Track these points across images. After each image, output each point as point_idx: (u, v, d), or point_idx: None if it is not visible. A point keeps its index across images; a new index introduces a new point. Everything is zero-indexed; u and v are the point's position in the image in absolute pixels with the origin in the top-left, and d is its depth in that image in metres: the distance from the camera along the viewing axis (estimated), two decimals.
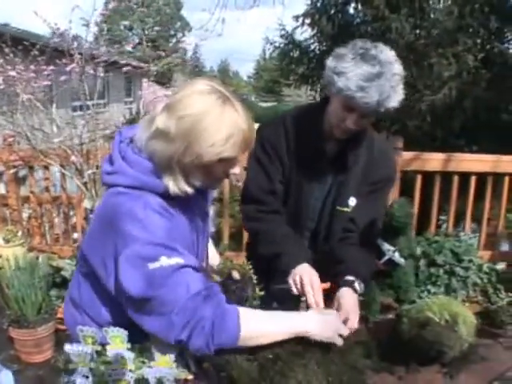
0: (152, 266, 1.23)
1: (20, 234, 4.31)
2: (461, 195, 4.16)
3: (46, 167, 4.28)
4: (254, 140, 1.40)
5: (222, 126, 1.28)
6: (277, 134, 1.85)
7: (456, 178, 4.08)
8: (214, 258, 1.82)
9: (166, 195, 1.35)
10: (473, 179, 4.08)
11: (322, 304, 1.66)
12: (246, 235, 3.83)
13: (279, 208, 1.91)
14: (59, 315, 3.42)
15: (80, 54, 3.66)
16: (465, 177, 4.09)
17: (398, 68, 1.62)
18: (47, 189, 4.45)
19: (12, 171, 4.20)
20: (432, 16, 5.86)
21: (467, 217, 4.20)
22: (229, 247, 4.32)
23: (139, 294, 1.23)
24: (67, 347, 1.25)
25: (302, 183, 1.87)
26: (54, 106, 4.13)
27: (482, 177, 4.09)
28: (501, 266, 4.26)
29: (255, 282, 1.62)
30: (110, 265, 1.29)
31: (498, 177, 4.12)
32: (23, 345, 3.27)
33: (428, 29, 5.54)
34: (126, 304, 1.28)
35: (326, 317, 1.49)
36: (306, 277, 1.69)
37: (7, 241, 4.20)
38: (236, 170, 1.42)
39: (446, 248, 3.84)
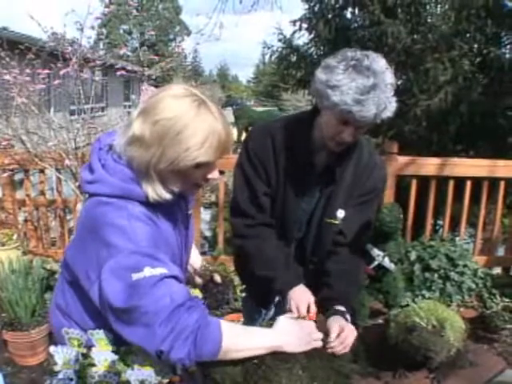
0: (136, 276, 1.20)
1: (15, 237, 4.31)
2: (456, 200, 4.17)
3: (42, 171, 4.29)
4: (231, 144, 1.38)
5: (196, 130, 1.26)
6: (264, 146, 1.82)
7: (451, 183, 4.08)
8: (196, 260, 1.82)
9: (147, 203, 1.34)
10: (468, 184, 4.08)
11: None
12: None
13: (266, 221, 1.88)
14: None
15: (75, 57, 3.66)
16: (460, 181, 4.09)
17: (390, 77, 1.58)
18: (43, 192, 4.44)
19: (6, 174, 4.19)
20: (429, 21, 5.88)
21: (462, 221, 4.20)
22: (224, 251, 4.31)
23: (122, 305, 1.20)
24: (52, 349, 1.25)
25: (288, 196, 1.84)
26: (52, 109, 4.12)
27: (477, 181, 4.10)
28: (496, 270, 4.28)
29: (235, 284, 1.64)
30: (92, 275, 1.27)
31: (493, 181, 4.13)
32: (17, 347, 3.26)
33: (424, 33, 5.55)
34: (109, 314, 1.25)
35: (298, 329, 1.47)
36: (303, 306, 1.71)
37: (2, 244, 4.20)
38: (214, 174, 1.39)
39: (440, 253, 3.85)
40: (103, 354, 1.22)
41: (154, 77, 4.95)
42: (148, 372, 1.20)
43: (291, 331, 1.45)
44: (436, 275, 3.77)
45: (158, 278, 1.21)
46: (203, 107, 1.30)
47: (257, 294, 1.90)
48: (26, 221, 4.67)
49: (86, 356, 1.27)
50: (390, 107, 1.59)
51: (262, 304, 1.71)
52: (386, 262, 1.75)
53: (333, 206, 1.83)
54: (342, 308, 1.74)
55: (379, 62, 1.57)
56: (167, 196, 1.34)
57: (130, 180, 1.32)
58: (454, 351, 1.57)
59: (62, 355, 1.25)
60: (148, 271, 1.21)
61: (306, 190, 1.84)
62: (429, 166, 4.03)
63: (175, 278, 1.27)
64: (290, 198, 1.84)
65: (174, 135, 1.25)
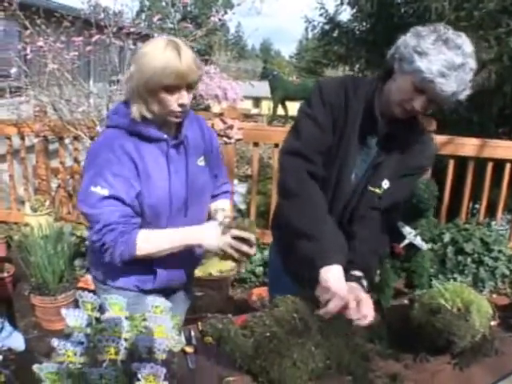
0: (93, 189, 1.58)
1: (48, 203, 4.37)
2: (494, 184, 4.02)
3: (76, 138, 4.31)
4: (191, 75, 1.60)
5: (159, 59, 1.55)
6: (338, 93, 1.76)
7: (490, 165, 3.94)
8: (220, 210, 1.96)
9: (133, 132, 1.64)
10: (508, 167, 3.94)
11: None
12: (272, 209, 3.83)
13: (321, 172, 1.78)
14: (81, 284, 3.47)
15: (109, 25, 3.63)
16: (500, 164, 3.94)
17: (474, 64, 1.57)
18: (76, 160, 4.48)
19: (37, 140, 4.24)
20: None
21: (500, 206, 4.05)
22: (256, 225, 4.27)
23: (81, 206, 1.63)
24: (64, 311, 1.23)
25: (348, 155, 1.77)
26: (91, 80, 4.13)
27: None
28: None
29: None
30: None
31: None
32: (44, 312, 3.32)
33: (469, 10, 5.31)
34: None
35: (206, 230, 1.71)
36: (337, 299, 1.52)
37: (35, 210, 4.27)
38: (184, 99, 1.61)
39: (475, 236, 3.74)
40: (115, 320, 1.19)
41: (195, 49, 4.89)
42: (159, 340, 1.16)
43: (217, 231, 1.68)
44: (469, 259, 3.67)
45: (100, 196, 1.57)
46: (170, 46, 1.56)
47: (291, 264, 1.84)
48: (58, 186, 4.73)
49: (98, 320, 1.25)
50: (466, 92, 1.58)
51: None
52: (418, 241, 1.67)
53: (380, 176, 1.78)
54: (360, 273, 1.68)
55: (469, 46, 1.55)
56: (147, 115, 1.64)
57: (119, 112, 1.68)
58: (479, 337, 1.49)
59: (73, 318, 1.23)
60: (98, 189, 1.58)
61: (363, 153, 1.79)
62: (468, 146, 3.90)
63: (116, 198, 1.59)
64: (349, 156, 1.77)
65: (143, 62, 1.57)
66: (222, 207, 1.98)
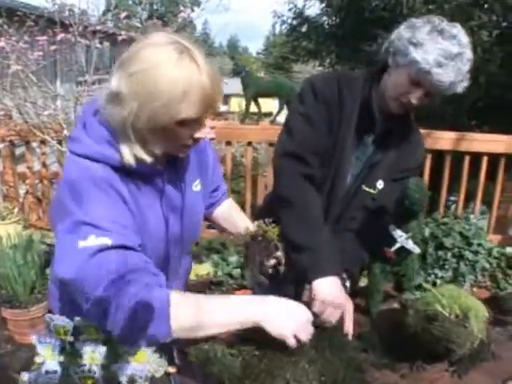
0: (82, 243, 1.09)
1: (16, 210, 4.22)
2: (471, 176, 4.01)
3: (43, 142, 4.17)
4: (218, 99, 1.21)
5: (176, 81, 1.11)
6: (332, 89, 1.68)
7: (467, 159, 3.92)
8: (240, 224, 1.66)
9: (123, 168, 1.21)
10: (484, 160, 3.92)
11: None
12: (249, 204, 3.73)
13: (317, 174, 1.71)
14: None
15: (74, 23, 3.50)
16: (476, 157, 3.92)
17: (471, 54, 1.53)
18: (44, 164, 4.34)
19: (2, 145, 4.07)
20: None
21: (477, 199, 4.04)
22: None
23: (67, 276, 1.11)
24: (34, 338, 1.13)
25: (344, 154, 1.70)
26: (58, 81, 4.00)
27: (494, 158, 3.92)
28: (510, 250, 4.13)
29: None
30: None
31: (511, 158, 3.95)
32: (16, 325, 3.18)
33: (440, 3, 5.30)
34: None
35: (290, 309, 1.24)
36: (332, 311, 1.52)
37: (3, 218, 4.11)
38: (202, 133, 1.23)
39: (455, 230, 3.71)
40: (91, 344, 1.09)
41: None
42: (140, 366, 1.06)
43: (281, 305, 1.23)
44: (450, 254, 3.64)
45: (98, 248, 1.09)
46: (186, 55, 1.13)
47: None
48: (27, 192, 4.58)
49: (72, 345, 1.15)
50: (464, 83, 1.55)
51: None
52: (410, 244, 1.60)
53: (375, 176, 1.74)
54: (344, 275, 1.67)
55: (465, 36, 1.53)
56: (147, 158, 1.22)
57: (103, 141, 1.21)
58: (477, 343, 1.43)
59: (44, 345, 1.12)
60: (92, 240, 1.09)
61: (359, 152, 1.74)
62: (444, 140, 3.87)
63: (124, 247, 1.13)
64: (345, 156, 1.71)
65: (150, 88, 1.11)
66: (247, 225, 1.60)
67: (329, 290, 1.52)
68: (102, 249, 1.09)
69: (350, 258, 1.73)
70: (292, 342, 1.20)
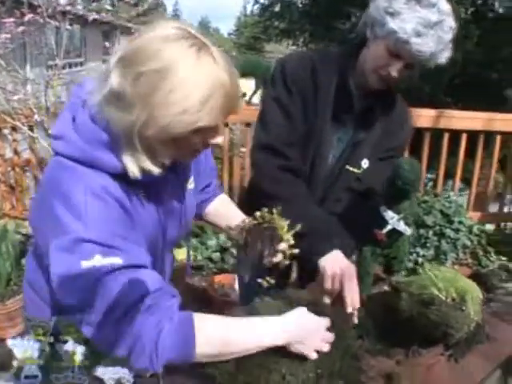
0: (85, 264, 0.96)
1: None
2: (450, 153, 3.99)
3: (14, 129, 4.01)
4: (238, 102, 1.07)
5: (196, 85, 0.97)
6: (304, 71, 1.60)
7: (446, 136, 3.90)
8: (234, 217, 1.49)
9: (123, 176, 1.06)
10: (464, 137, 3.91)
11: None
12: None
13: (299, 165, 1.65)
14: None
15: (43, 4, 3.34)
16: (455, 135, 3.91)
17: (453, 22, 1.46)
18: (16, 151, 4.18)
19: None
20: None
21: (457, 176, 4.04)
22: None
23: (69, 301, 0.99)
24: (10, 342, 1.04)
25: (323, 136, 1.64)
26: (28, 65, 3.85)
27: (473, 135, 3.93)
28: (489, 227, 4.16)
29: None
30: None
31: (489, 135, 3.96)
32: None
33: None
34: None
35: (314, 326, 1.20)
36: (346, 278, 1.45)
37: None
38: (218, 139, 1.09)
39: (435, 208, 3.70)
40: (72, 346, 1.01)
41: (132, 30, 4.63)
42: (124, 369, 0.99)
43: (304, 326, 1.18)
44: (431, 232, 3.63)
45: (107, 269, 0.96)
46: (204, 53, 0.98)
47: None
48: None
49: (52, 346, 1.06)
50: (446, 53, 1.49)
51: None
52: (402, 226, 1.55)
53: (359, 155, 1.68)
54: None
55: (445, 4, 1.46)
56: (154, 170, 1.06)
57: (99, 145, 1.04)
58: (473, 326, 1.40)
59: (22, 348, 1.03)
60: (98, 260, 0.96)
61: (341, 133, 1.68)
62: (423, 117, 3.83)
63: (136, 267, 1.01)
64: (324, 137, 1.64)
65: (166, 93, 0.96)
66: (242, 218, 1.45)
67: (334, 263, 1.46)
68: (113, 269, 0.97)
69: (339, 242, 1.66)
70: (314, 357, 1.17)
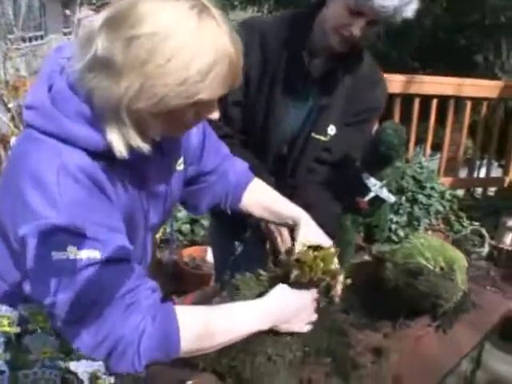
0: (57, 255, 0.86)
1: None
2: (421, 120, 3.96)
3: None
4: (241, 69, 0.96)
5: (198, 52, 0.85)
6: (248, 43, 1.46)
7: (417, 101, 3.85)
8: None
9: (105, 155, 0.94)
10: (434, 102, 3.88)
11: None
12: None
13: (235, 135, 1.60)
14: None
15: None
16: (426, 100, 3.88)
17: None
18: None
19: None
20: None
21: (428, 142, 4.01)
22: None
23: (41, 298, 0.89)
24: None
25: (275, 105, 1.55)
26: None
27: (443, 100, 3.90)
28: (459, 192, 4.18)
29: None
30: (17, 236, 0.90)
31: (459, 101, 3.98)
32: None
33: None
34: None
35: (298, 303, 1.13)
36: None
37: None
38: (216, 114, 0.99)
39: (407, 174, 3.67)
40: (41, 337, 0.91)
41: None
42: (99, 362, 0.89)
43: (289, 306, 1.11)
44: (404, 198, 3.60)
45: (83, 264, 0.86)
46: (206, 16, 0.86)
47: (226, 221, 1.58)
48: None
49: (18, 338, 0.95)
50: (412, 6, 1.38)
51: (233, 234, 1.53)
52: (384, 193, 1.47)
53: (324, 121, 1.58)
54: None
55: None
56: (144, 147, 0.94)
57: (78, 117, 0.91)
58: (461, 295, 1.35)
59: None
60: (71, 251, 0.86)
61: (297, 100, 1.58)
62: (394, 82, 3.75)
63: (115, 260, 0.91)
64: (278, 107, 1.56)
65: (163, 61, 0.84)
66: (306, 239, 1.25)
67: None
68: (89, 264, 0.87)
69: (319, 214, 1.53)
70: (306, 329, 1.15)
